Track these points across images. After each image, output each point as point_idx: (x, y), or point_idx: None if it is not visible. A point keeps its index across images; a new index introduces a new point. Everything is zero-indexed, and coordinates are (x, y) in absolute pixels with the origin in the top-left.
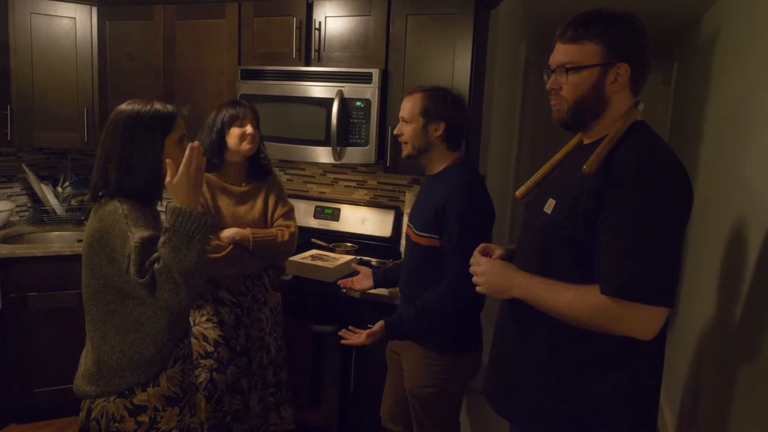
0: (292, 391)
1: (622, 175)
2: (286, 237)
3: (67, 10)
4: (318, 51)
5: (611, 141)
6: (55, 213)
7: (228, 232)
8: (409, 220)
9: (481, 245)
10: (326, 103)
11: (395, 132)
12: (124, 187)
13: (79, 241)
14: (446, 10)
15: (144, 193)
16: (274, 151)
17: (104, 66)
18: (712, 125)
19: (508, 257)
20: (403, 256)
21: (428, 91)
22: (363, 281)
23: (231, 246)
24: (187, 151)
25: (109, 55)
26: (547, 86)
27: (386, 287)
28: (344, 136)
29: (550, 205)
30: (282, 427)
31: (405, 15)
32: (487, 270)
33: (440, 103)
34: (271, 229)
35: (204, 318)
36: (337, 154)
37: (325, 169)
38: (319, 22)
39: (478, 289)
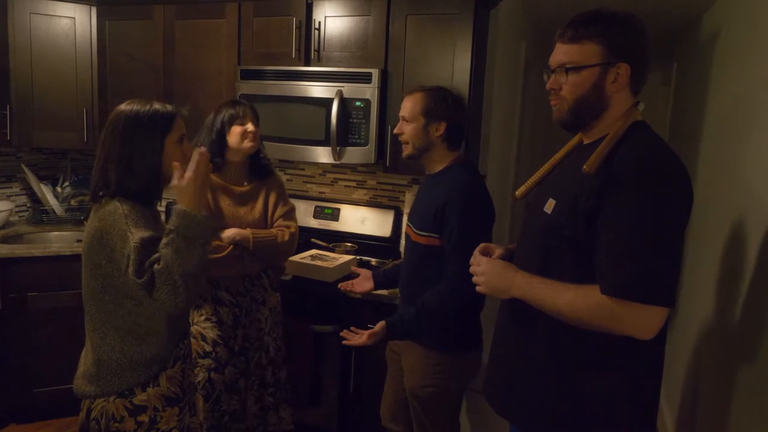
0: (291, 391)
1: (623, 175)
2: (287, 237)
3: (66, 9)
4: (318, 51)
5: (611, 141)
6: (55, 213)
7: (228, 233)
8: (409, 220)
9: (481, 245)
10: (326, 103)
11: (395, 131)
12: (124, 187)
13: (79, 241)
14: (446, 10)
15: (144, 193)
16: (274, 151)
17: (104, 66)
18: (711, 125)
19: (508, 257)
20: (402, 255)
21: (429, 90)
22: (363, 283)
23: (231, 246)
24: (194, 155)
25: (108, 55)
26: (547, 86)
27: (386, 288)
28: (344, 136)
29: (550, 205)
30: (281, 427)
31: (405, 15)
32: (487, 270)
33: (441, 103)
34: (272, 230)
35: (203, 318)
36: (337, 154)
37: (325, 169)
38: (319, 22)
39: (478, 288)
